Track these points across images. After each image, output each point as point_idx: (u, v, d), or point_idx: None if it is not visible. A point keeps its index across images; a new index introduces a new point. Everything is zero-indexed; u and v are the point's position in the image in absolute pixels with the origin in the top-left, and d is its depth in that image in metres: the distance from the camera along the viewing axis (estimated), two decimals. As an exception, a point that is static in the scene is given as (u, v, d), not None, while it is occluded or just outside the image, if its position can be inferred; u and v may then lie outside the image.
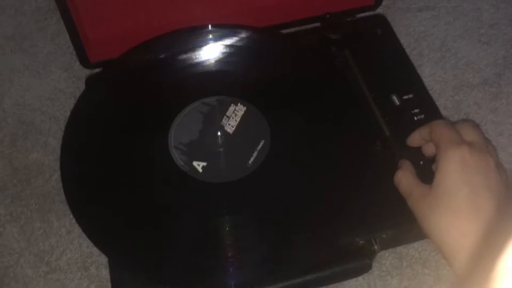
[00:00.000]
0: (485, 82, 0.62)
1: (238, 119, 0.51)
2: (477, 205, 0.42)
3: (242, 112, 0.52)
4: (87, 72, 0.61)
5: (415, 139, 0.50)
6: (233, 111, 0.51)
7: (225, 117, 0.51)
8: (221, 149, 0.50)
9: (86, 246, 0.53)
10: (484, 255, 0.35)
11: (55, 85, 0.64)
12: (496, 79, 0.62)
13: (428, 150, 0.49)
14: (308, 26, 0.61)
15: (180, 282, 0.45)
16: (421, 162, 0.49)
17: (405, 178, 0.48)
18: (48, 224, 0.54)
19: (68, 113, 0.56)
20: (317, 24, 0.60)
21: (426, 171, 0.48)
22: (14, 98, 0.63)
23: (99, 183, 0.48)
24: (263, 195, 0.47)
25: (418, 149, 0.50)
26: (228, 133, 0.51)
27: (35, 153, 0.59)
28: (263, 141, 0.50)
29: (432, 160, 0.48)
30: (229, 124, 0.51)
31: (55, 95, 0.63)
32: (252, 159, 0.49)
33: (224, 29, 0.56)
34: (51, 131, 0.60)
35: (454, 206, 0.42)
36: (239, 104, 0.52)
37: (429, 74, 0.63)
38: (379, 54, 0.57)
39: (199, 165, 0.48)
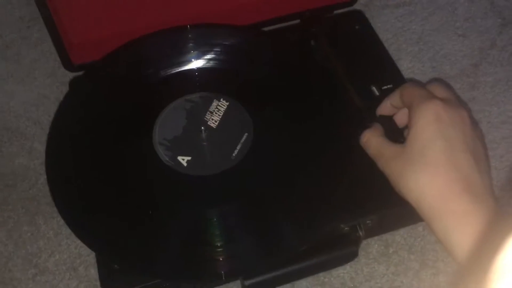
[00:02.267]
0: (462, 73, 0.64)
1: (221, 114, 0.52)
2: (454, 161, 0.40)
3: (225, 107, 0.52)
4: (71, 77, 0.61)
5: (386, 107, 0.49)
6: (216, 106, 0.52)
7: (208, 112, 0.52)
8: (205, 143, 0.51)
9: (74, 247, 0.53)
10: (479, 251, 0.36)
11: (39, 91, 0.64)
12: (473, 70, 0.64)
13: (401, 118, 0.48)
14: (288, 24, 0.62)
15: (168, 275, 0.45)
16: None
17: (374, 137, 0.46)
18: (36, 227, 0.55)
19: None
20: (297, 21, 0.61)
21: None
22: (-1, 105, 0.63)
23: (85, 181, 0.48)
24: (248, 186, 0.48)
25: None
26: (212, 127, 0.51)
27: (21, 158, 0.59)
28: (246, 134, 0.51)
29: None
30: (212, 119, 0.52)
31: (39, 101, 0.63)
32: (236, 151, 0.50)
33: (203, 29, 0.57)
34: (36, 136, 0.60)
35: (431, 161, 0.41)
36: (221, 99, 0.53)
37: (408, 67, 0.64)
38: (358, 48, 0.58)
39: (183, 160, 0.49)
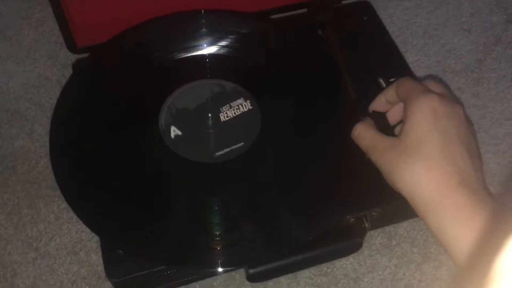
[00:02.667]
0: (467, 68, 0.64)
1: (237, 113, 0.50)
2: (450, 154, 0.40)
3: (246, 109, 0.51)
4: (72, 59, 0.60)
5: (380, 102, 0.48)
6: (239, 104, 0.51)
7: (228, 105, 0.51)
8: (202, 130, 0.50)
9: (75, 231, 0.53)
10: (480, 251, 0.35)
11: (39, 72, 0.63)
12: (477, 65, 0.64)
13: (394, 115, 0.48)
14: (294, 13, 0.61)
15: (172, 262, 0.45)
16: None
17: (366, 130, 0.46)
18: (36, 210, 0.54)
19: (54, 100, 0.56)
20: (303, 10, 0.61)
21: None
22: (-2, 85, 0.62)
23: (90, 165, 0.48)
24: (229, 182, 0.48)
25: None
26: (220, 119, 0.50)
27: (21, 140, 0.58)
28: (242, 143, 0.49)
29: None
30: (226, 113, 0.50)
31: (40, 83, 0.62)
32: (221, 152, 0.49)
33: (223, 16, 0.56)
34: (37, 118, 0.60)
35: (426, 154, 0.40)
36: (248, 101, 0.51)
37: (413, 60, 0.64)
38: (366, 39, 0.58)
39: (174, 131, 0.48)
